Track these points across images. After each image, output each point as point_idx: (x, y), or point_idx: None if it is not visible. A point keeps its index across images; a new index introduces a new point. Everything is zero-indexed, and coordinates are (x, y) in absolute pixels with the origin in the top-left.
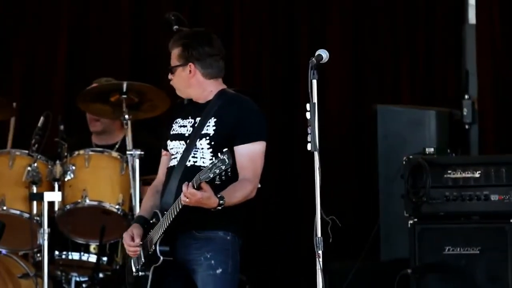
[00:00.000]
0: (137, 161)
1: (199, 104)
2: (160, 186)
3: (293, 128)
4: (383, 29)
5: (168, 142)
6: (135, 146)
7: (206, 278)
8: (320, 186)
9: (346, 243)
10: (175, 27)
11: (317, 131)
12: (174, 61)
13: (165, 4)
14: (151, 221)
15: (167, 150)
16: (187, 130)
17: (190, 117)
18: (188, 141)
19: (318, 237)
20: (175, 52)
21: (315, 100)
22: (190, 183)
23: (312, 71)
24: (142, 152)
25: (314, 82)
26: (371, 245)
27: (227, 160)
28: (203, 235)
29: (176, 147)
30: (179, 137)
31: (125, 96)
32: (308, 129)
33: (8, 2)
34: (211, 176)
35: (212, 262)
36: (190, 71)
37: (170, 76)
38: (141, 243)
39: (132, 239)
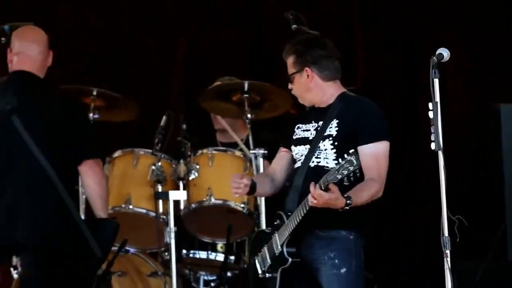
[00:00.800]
0: (260, 160)
1: (320, 108)
2: (271, 175)
3: (412, 127)
4: (502, 26)
5: (293, 147)
6: (258, 145)
7: (331, 277)
8: (445, 185)
9: (473, 243)
10: (294, 26)
11: (441, 131)
12: (290, 69)
13: (284, 3)
14: (275, 223)
15: (287, 148)
16: (311, 134)
17: (313, 121)
18: (311, 143)
19: (445, 237)
20: (290, 60)
21: (437, 99)
22: (317, 185)
23: (433, 70)
24: (266, 151)
25: (436, 81)
26: (498, 245)
27: (355, 162)
28: (326, 235)
29: (300, 151)
30: (303, 141)
31: (246, 95)
32: (431, 128)
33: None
34: (339, 178)
35: (336, 261)
36: (307, 75)
37: (290, 86)
38: (248, 182)
39: (241, 177)
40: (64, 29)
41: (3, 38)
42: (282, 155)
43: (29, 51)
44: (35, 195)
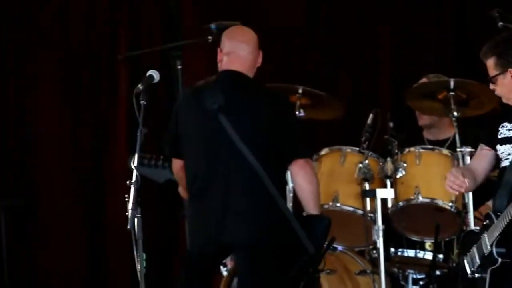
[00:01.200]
0: (467, 159)
1: None
2: (473, 171)
3: None
4: None
5: (498, 146)
6: (465, 143)
7: None
8: None
9: None
10: (500, 23)
11: None
12: (492, 71)
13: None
14: (484, 223)
15: (490, 147)
16: None
17: None
18: None
19: None
20: (490, 63)
21: None
22: None
23: None
24: (473, 149)
25: None
26: None
27: None
28: None
29: (507, 150)
30: (509, 140)
31: (452, 93)
32: None
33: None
34: None
35: None
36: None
37: (492, 87)
38: (466, 184)
39: (463, 175)
40: (270, 27)
41: (209, 37)
42: (483, 153)
43: (239, 51)
44: (243, 194)
